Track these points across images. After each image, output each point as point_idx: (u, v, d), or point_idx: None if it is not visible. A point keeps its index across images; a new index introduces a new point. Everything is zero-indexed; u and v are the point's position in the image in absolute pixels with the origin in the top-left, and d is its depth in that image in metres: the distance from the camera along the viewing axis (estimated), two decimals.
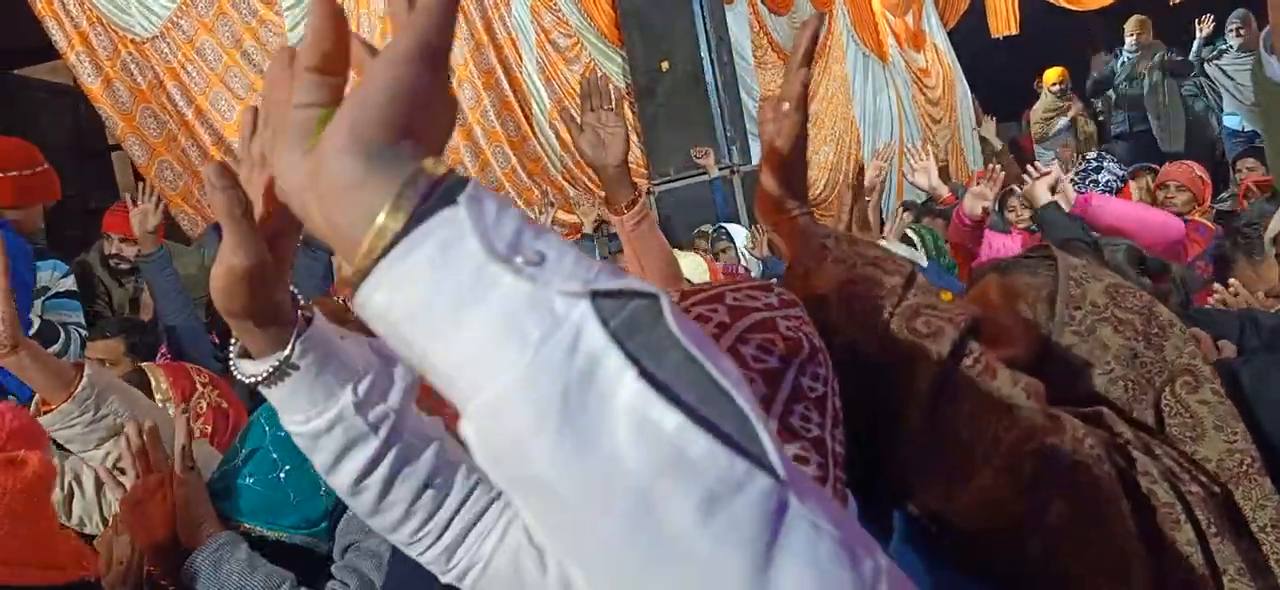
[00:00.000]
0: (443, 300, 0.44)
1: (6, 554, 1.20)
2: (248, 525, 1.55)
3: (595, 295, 0.44)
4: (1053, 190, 2.97)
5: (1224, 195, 5.94)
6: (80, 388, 1.69)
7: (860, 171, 3.31)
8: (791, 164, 1.05)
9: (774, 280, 0.88)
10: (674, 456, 0.41)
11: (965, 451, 0.86)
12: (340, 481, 0.92)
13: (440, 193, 0.46)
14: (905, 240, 3.35)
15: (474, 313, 0.43)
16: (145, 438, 1.57)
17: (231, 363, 0.88)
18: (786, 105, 1.02)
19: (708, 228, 5.57)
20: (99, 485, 2.23)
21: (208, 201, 0.80)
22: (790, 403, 0.74)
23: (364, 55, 0.57)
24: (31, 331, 3.78)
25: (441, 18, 0.50)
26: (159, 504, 1.53)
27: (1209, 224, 4.11)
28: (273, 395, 0.88)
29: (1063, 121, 9.16)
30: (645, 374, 0.42)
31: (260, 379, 0.86)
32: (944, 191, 4.36)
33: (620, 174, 1.68)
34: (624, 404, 0.42)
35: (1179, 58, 8.74)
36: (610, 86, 1.72)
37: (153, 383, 2.09)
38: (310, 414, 0.87)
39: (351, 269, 0.47)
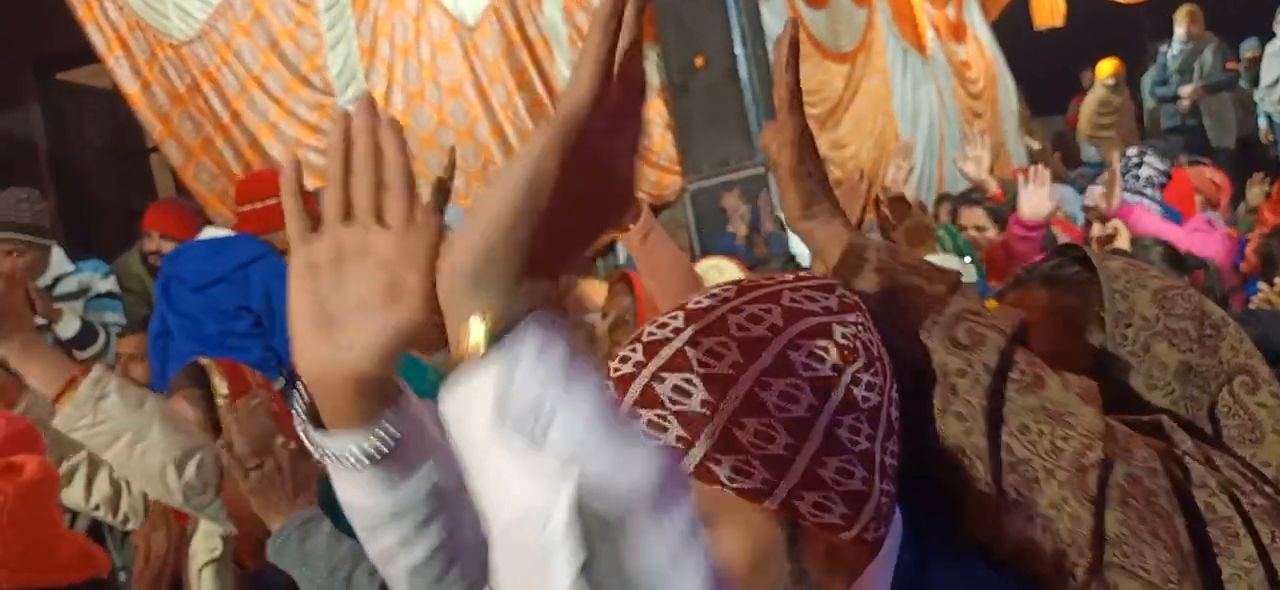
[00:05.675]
0: (463, 438, 0.52)
1: (10, 558, 1.21)
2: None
3: (581, 484, 0.47)
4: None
5: None
6: (83, 386, 1.58)
7: (900, 198, 3.18)
8: (803, 169, 1.00)
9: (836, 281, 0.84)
10: None
11: (1023, 468, 0.81)
12: (398, 567, 0.79)
13: (499, 340, 0.50)
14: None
15: (484, 461, 0.51)
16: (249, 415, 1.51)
17: (299, 427, 0.75)
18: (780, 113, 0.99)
19: None
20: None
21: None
22: (839, 413, 0.71)
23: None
24: (73, 332, 3.84)
25: (565, 130, 0.52)
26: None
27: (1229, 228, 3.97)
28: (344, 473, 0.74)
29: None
30: (586, 571, 0.47)
31: (347, 460, 0.72)
32: (993, 186, 4.08)
33: None
34: None
35: (1221, 76, 8.55)
36: None
37: (213, 380, 2.08)
38: (380, 497, 0.74)
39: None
